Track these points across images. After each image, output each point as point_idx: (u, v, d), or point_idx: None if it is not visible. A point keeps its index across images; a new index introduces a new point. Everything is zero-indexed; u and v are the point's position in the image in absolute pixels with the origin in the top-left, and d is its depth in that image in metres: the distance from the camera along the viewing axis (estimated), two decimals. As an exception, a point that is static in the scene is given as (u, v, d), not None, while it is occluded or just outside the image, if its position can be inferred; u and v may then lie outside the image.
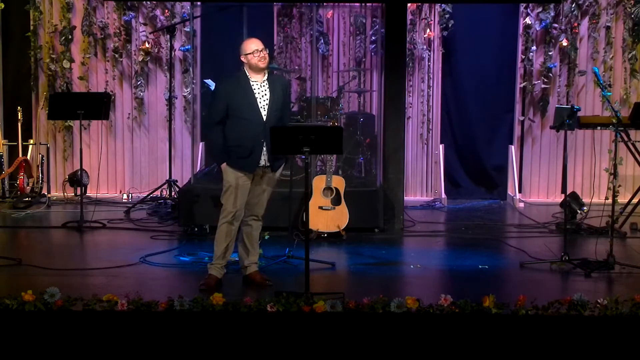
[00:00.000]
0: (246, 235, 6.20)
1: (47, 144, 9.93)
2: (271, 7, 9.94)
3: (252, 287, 6.06)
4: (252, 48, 5.99)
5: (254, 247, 6.22)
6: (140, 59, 9.94)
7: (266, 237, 6.70)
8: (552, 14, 9.74)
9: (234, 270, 6.49)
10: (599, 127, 8.41)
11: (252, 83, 6.01)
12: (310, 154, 5.65)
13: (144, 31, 9.91)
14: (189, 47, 9.55)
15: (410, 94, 9.93)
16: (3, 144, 9.65)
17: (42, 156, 9.63)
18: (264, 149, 5.99)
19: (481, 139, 10.23)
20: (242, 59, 6.04)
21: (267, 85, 6.04)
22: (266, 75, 6.08)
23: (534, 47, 9.79)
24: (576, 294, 5.27)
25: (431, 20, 9.91)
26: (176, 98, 9.94)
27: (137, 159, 10.14)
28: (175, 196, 9.26)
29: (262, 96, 6.01)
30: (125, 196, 9.81)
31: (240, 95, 5.98)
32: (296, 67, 9.99)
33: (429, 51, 9.96)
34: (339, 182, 7.83)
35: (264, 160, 6.02)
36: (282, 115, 6.10)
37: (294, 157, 7.92)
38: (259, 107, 5.98)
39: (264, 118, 5.98)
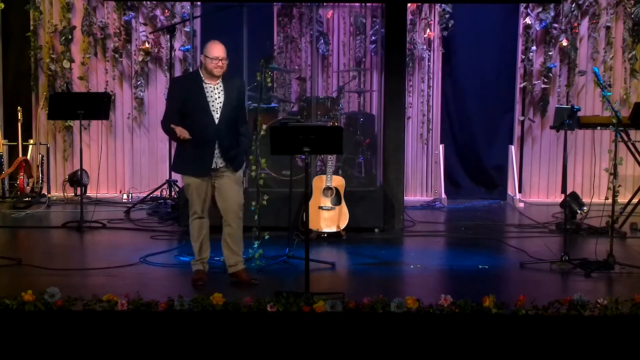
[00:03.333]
0: (228, 236, 6.17)
1: (47, 144, 9.93)
2: (271, 7, 9.94)
3: (242, 286, 6.04)
4: (214, 54, 5.97)
5: (237, 245, 6.19)
6: (140, 59, 9.94)
7: (266, 237, 6.70)
8: (552, 14, 9.74)
9: (234, 270, 6.50)
10: (599, 127, 8.41)
11: (205, 86, 6.02)
12: (310, 154, 5.65)
13: (144, 31, 9.91)
14: (189, 47, 9.55)
15: (410, 94, 9.93)
16: (3, 144, 9.65)
17: (42, 156, 9.63)
18: (217, 150, 6.00)
19: (481, 139, 10.24)
20: (201, 58, 6.05)
21: (222, 88, 6.05)
22: (220, 77, 6.07)
23: (534, 47, 9.79)
24: (576, 294, 5.27)
25: (431, 20, 9.91)
26: (176, 98, 9.92)
27: (137, 159, 10.14)
28: (175, 196, 9.26)
29: (216, 99, 6.02)
30: (125, 196, 9.81)
31: (193, 98, 5.99)
32: (296, 67, 9.99)
33: (429, 51, 9.96)
34: (339, 182, 7.83)
35: (216, 162, 6.03)
36: (237, 117, 6.10)
37: (294, 157, 7.91)
38: (212, 109, 5.99)
39: (216, 121, 5.99)
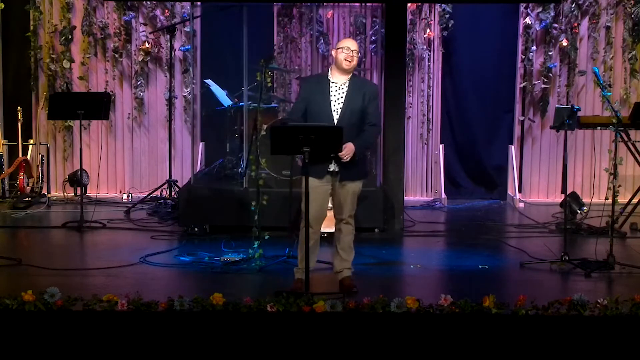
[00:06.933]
0: (336, 240, 6.10)
1: (47, 144, 9.94)
2: (271, 7, 9.94)
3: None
4: (344, 44, 5.89)
5: (345, 251, 6.09)
6: (140, 59, 9.94)
7: (266, 237, 6.69)
8: (552, 14, 9.74)
9: (234, 270, 6.51)
10: (599, 127, 8.41)
11: (331, 84, 5.90)
12: (310, 154, 5.63)
13: (144, 31, 9.91)
14: (189, 47, 9.55)
15: (410, 94, 9.93)
16: (3, 144, 9.65)
17: (42, 156, 9.63)
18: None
19: (481, 139, 10.24)
20: (333, 52, 6.01)
21: (347, 88, 5.88)
22: (349, 78, 5.92)
23: (534, 47, 9.79)
24: (576, 294, 5.27)
25: (431, 20, 9.91)
26: (176, 98, 9.94)
27: (137, 159, 10.14)
28: (175, 196, 9.26)
29: (337, 99, 5.87)
30: (125, 196, 9.81)
31: (317, 98, 5.88)
32: (296, 67, 9.99)
33: (429, 51, 9.96)
34: (339, 182, 7.81)
35: (333, 165, 5.84)
36: (359, 121, 5.84)
37: (294, 157, 7.90)
38: (332, 109, 5.84)
39: (335, 121, 5.83)
